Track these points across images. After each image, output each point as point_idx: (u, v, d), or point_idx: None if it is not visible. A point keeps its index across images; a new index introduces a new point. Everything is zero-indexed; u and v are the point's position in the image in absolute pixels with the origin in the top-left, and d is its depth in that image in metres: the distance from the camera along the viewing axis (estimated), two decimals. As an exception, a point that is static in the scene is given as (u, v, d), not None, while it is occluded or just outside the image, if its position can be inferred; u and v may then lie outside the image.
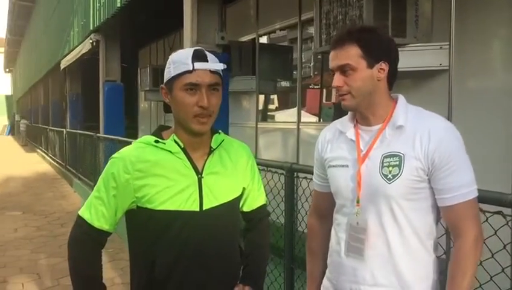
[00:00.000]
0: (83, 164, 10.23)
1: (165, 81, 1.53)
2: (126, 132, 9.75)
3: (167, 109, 1.57)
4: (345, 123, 1.64)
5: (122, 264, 4.79)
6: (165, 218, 1.49)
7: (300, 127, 6.06)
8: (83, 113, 15.21)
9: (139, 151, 1.52)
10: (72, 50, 12.45)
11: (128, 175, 1.48)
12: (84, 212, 1.54)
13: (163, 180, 1.49)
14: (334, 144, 1.64)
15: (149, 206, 1.48)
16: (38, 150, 20.59)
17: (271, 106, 8.22)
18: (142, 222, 1.53)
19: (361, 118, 1.58)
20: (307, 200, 2.96)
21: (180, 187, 1.50)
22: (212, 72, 1.47)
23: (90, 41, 9.67)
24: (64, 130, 13.48)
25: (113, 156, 1.55)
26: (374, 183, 1.49)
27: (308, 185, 2.91)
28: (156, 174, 1.49)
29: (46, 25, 18.93)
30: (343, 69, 1.50)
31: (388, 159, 1.48)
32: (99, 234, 1.53)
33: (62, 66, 13.63)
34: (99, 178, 1.55)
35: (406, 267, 1.48)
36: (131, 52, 12.83)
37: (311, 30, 6.47)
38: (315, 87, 6.94)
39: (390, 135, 1.50)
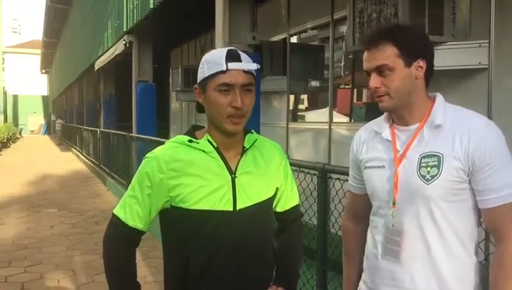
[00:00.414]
0: (116, 163, 10.42)
1: (198, 81, 1.53)
2: (158, 132, 9.86)
3: (200, 109, 1.57)
4: (380, 123, 1.60)
5: (155, 262, 4.85)
6: (199, 217, 1.49)
7: (332, 127, 6.00)
8: (116, 113, 15.49)
9: (172, 150, 1.53)
10: (105, 51, 12.70)
11: (163, 174, 1.49)
12: (118, 211, 1.56)
13: (197, 179, 1.49)
14: (370, 145, 1.61)
15: (183, 205, 1.49)
16: (73, 149, 21.10)
17: (301, 106, 8.18)
18: (175, 221, 1.53)
19: (398, 118, 1.54)
20: (340, 201, 2.93)
21: (213, 187, 1.50)
22: (245, 72, 1.47)
23: (124, 42, 9.84)
24: (98, 129, 13.77)
25: (147, 155, 1.56)
26: (411, 184, 1.46)
27: (342, 186, 2.87)
28: (189, 173, 1.49)
29: (81, 27, 19.37)
30: (380, 70, 1.47)
31: (426, 160, 1.44)
32: (134, 232, 1.54)
33: (96, 67, 13.92)
34: (134, 177, 1.57)
35: (446, 270, 1.44)
36: (163, 53, 13.00)
37: (342, 29, 6.41)
38: (346, 87, 6.87)
39: (428, 134, 1.46)
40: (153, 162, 1.51)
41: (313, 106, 7.98)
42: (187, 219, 1.50)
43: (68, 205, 8.74)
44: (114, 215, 1.57)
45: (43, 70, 46.12)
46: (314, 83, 7.76)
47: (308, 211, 3.04)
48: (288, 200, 1.71)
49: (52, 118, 39.16)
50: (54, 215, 7.90)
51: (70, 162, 17.44)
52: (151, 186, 1.50)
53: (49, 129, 43.45)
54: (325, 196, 3.04)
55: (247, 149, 1.57)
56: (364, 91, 7.24)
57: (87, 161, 15.64)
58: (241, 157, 1.56)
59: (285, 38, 7.10)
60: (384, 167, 1.53)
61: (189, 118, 12.66)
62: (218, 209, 1.49)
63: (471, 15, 3.50)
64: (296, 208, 1.75)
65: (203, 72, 1.50)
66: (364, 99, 7.15)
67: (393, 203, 1.50)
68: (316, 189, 3.08)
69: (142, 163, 1.56)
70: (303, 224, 1.83)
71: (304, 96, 8.11)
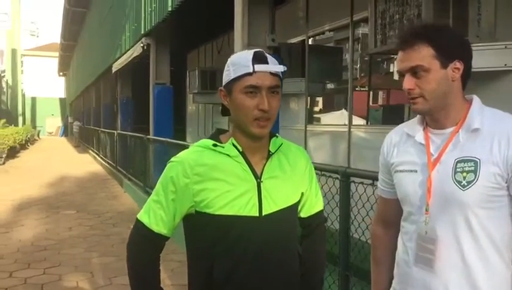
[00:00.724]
0: (133, 165, 10.46)
1: (223, 83, 1.50)
2: (174, 134, 9.89)
3: (225, 112, 1.55)
4: (412, 126, 1.55)
5: (172, 265, 4.84)
6: (224, 223, 1.46)
7: (351, 130, 5.94)
8: (133, 116, 15.59)
9: (197, 154, 1.50)
10: (123, 54, 12.79)
11: (188, 179, 1.46)
12: (143, 216, 1.54)
13: (222, 184, 1.46)
14: (401, 148, 1.56)
15: (207, 211, 1.46)
16: (90, 151, 21.28)
17: (317, 108, 8.13)
18: (200, 227, 1.51)
19: (432, 121, 1.49)
20: (363, 206, 2.88)
21: (239, 192, 1.47)
22: (272, 74, 1.44)
23: (141, 45, 9.90)
24: (115, 131, 13.86)
25: (172, 159, 1.53)
26: (446, 190, 1.40)
27: (365, 190, 2.83)
28: (214, 178, 1.46)
29: (98, 30, 19.55)
30: (415, 71, 1.42)
31: (462, 165, 1.38)
32: (158, 238, 1.52)
33: (113, 70, 14.03)
34: (158, 182, 1.54)
35: (483, 280, 1.38)
36: (180, 55, 13.05)
37: (360, 31, 6.35)
38: (361, 89, 6.81)
39: (464, 138, 1.41)
40: (178, 167, 1.49)
41: (329, 108, 7.93)
42: (212, 224, 1.47)
43: (86, 207, 8.79)
44: (138, 221, 1.55)
45: (61, 73, 46.73)
46: (331, 85, 7.72)
47: (330, 215, 3.00)
48: (312, 205, 1.68)
49: (70, 120, 39.62)
50: (72, 217, 7.95)
51: (87, 163, 17.60)
52: (176, 191, 1.48)
53: (66, 131, 44.00)
54: (347, 200, 2.99)
55: (273, 153, 1.55)
56: (380, 93, 7.17)
57: (104, 162, 15.76)
58: (266, 161, 1.53)
59: (304, 40, 7.05)
60: (416, 171, 1.48)
61: (206, 120, 12.67)
62: (244, 214, 1.46)
63: (497, 16, 3.42)
64: (320, 214, 1.72)
65: (229, 74, 1.47)
66: (381, 101, 7.08)
67: (426, 209, 1.45)
68: (338, 193, 3.04)
69: (166, 167, 1.53)
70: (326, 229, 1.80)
71: (319, 99, 8.07)
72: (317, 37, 7.57)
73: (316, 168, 3.23)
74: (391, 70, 7.26)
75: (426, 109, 1.44)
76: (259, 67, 1.42)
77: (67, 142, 33.70)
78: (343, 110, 7.00)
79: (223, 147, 1.50)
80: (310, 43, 7.28)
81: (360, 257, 2.96)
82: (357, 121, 6.27)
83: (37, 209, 8.56)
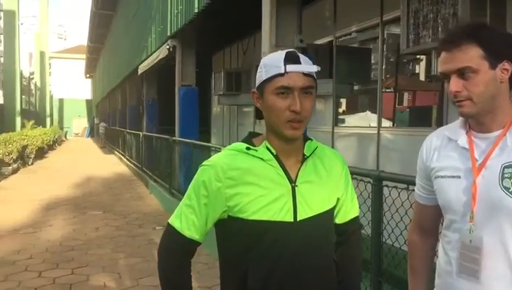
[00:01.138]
0: (158, 166, 10.53)
1: (256, 85, 1.46)
2: (199, 136, 9.91)
3: (259, 115, 1.50)
4: (454, 129, 1.47)
5: (198, 267, 4.82)
6: (258, 228, 1.41)
7: (380, 132, 5.83)
8: (158, 117, 15.73)
9: (230, 158, 1.46)
10: (149, 56, 12.90)
11: (220, 183, 1.43)
12: (174, 221, 1.50)
13: (255, 188, 1.42)
14: (442, 152, 1.48)
15: (241, 215, 1.42)
16: (116, 152, 21.56)
17: (342, 110, 8.03)
18: (233, 232, 1.46)
19: (477, 124, 1.41)
20: (397, 211, 2.79)
21: (273, 196, 1.42)
22: (305, 74, 1.39)
23: (167, 47, 9.96)
24: (140, 133, 13.99)
25: (204, 163, 1.49)
26: (492, 197, 1.33)
27: (399, 195, 2.74)
28: (248, 182, 1.42)
29: (125, 32, 19.80)
30: (462, 72, 1.34)
31: (510, 170, 1.31)
32: (190, 243, 1.48)
33: (139, 72, 14.17)
34: (190, 186, 1.51)
35: None
36: (206, 57, 13.09)
37: (385, 31, 6.24)
38: (387, 90, 6.70)
39: None
40: (210, 171, 1.45)
41: (353, 109, 7.83)
42: (245, 229, 1.43)
43: (112, 208, 8.88)
44: (170, 225, 1.51)
45: (88, 75, 47.59)
46: (359, 86, 7.61)
47: (361, 220, 2.91)
48: (348, 211, 1.62)
49: (96, 121, 40.29)
50: (99, 217, 8.03)
51: (113, 164, 17.82)
52: (208, 196, 1.44)
53: (92, 132, 44.75)
54: (380, 205, 2.91)
55: (308, 157, 1.50)
56: (406, 95, 7.04)
57: (129, 163, 15.92)
58: (301, 165, 1.48)
59: (331, 40, 6.97)
60: (459, 176, 1.41)
61: (231, 121, 12.68)
62: (278, 220, 1.41)
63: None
64: (356, 220, 1.66)
65: (261, 76, 1.43)
66: (406, 103, 6.97)
67: (471, 217, 1.37)
68: (370, 197, 2.96)
69: (198, 171, 1.50)
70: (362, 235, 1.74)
71: (342, 100, 7.98)
72: (342, 38, 7.47)
73: (347, 172, 3.17)
74: (417, 71, 7.14)
75: (473, 112, 1.37)
76: (291, 67, 1.38)
77: (94, 143, 34.25)
78: (367, 112, 6.89)
79: (257, 151, 1.46)
80: (338, 43, 7.19)
81: (393, 263, 2.87)
82: (384, 123, 6.17)
83: (64, 210, 8.68)
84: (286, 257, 1.43)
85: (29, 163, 17.22)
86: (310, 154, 1.50)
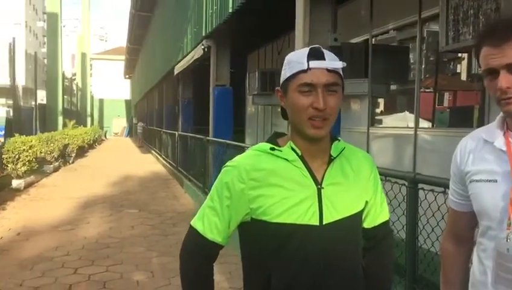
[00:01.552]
0: (193, 165, 10.61)
1: (280, 83, 1.42)
2: (233, 135, 9.92)
3: (284, 114, 1.45)
4: (491, 131, 1.38)
5: (229, 267, 4.79)
6: (282, 232, 1.36)
7: (417, 133, 5.65)
8: (193, 117, 15.87)
9: (254, 159, 1.42)
10: (185, 56, 13.03)
11: (243, 184, 1.38)
12: (196, 223, 1.46)
13: (279, 190, 1.37)
14: (477, 155, 1.40)
15: (264, 218, 1.37)
16: (153, 151, 21.92)
17: (379, 110, 7.85)
18: (256, 235, 1.41)
19: None
20: (433, 215, 2.68)
21: (298, 198, 1.36)
22: (329, 71, 1.33)
23: (202, 47, 10.01)
24: (176, 132, 14.15)
25: (227, 164, 1.45)
26: None
27: (435, 199, 2.63)
28: (272, 183, 1.37)
29: (161, 33, 20.10)
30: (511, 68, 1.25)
31: None
32: (212, 246, 1.44)
33: (175, 72, 14.33)
34: (212, 187, 1.47)
35: None
36: (240, 56, 13.12)
37: (425, 29, 6.06)
38: (426, 90, 6.51)
39: None
40: (233, 172, 1.40)
41: (391, 109, 7.65)
42: (268, 233, 1.38)
43: (148, 206, 9.00)
44: (192, 228, 1.47)
45: (127, 76, 48.59)
46: (394, 86, 7.44)
47: (395, 223, 2.82)
48: (377, 215, 1.54)
49: (134, 121, 41.10)
50: (134, 215, 8.15)
51: (150, 163, 18.11)
52: (231, 197, 1.40)
53: (131, 132, 45.69)
54: (415, 209, 2.80)
55: (335, 158, 1.43)
56: (446, 95, 6.82)
57: (165, 163, 16.15)
58: (327, 166, 1.42)
59: (367, 39, 6.82)
60: (496, 181, 1.32)
61: (265, 121, 12.65)
62: (303, 223, 1.36)
63: None
64: (385, 224, 1.58)
65: (284, 74, 1.39)
66: (446, 103, 6.76)
67: (508, 224, 1.29)
68: (405, 200, 2.85)
69: (221, 172, 1.45)
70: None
71: (380, 100, 7.81)
72: (379, 37, 7.31)
73: (380, 173, 3.08)
74: (458, 70, 6.91)
75: None
76: (314, 63, 1.32)
77: (132, 142, 34.95)
78: (406, 112, 6.71)
79: (281, 151, 1.41)
80: (374, 42, 7.04)
81: (429, 269, 2.76)
82: (422, 123, 5.99)
83: (102, 207, 8.86)
84: (311, 261, 1.37)
85: (70, 161, 17.71)
86: (337, 155, 1.44)
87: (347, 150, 1.48)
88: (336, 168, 1.43)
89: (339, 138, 1.49)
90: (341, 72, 1.37)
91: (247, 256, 1.48)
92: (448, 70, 7.03)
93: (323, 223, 1.37)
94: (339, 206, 1.40)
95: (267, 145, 1.43)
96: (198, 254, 1.46)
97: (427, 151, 5.58)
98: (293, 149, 1.40)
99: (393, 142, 6.37)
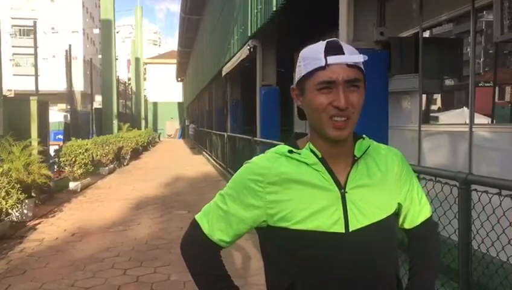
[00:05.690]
0: (241, 166, 10.59)
1: (295, 81, 1.30)
2: (281, 135, 9.82)
3: (301, 114, 1.34)
4: None
5: (258, 265, 4.70)
6: (303, 240, 1.25)
7: (473, 130, 5.33)
8: (242, 117, 15.91)
9: (271, 162, 1.31)
10: (232, 57, 13.07)
11: (259, 189, 1.28)
12: (202, 220, 1.38)
13: (299, 196, 1.26)
14: None
15: (283, 225, 1.26)
16: (204, 153, 22.20)
17: (433, 107, 7.50)
18: (276, 242, 1.31)
19: None
20: (488, 218, 2.48)
21: (319, 205, 1.25)
22: (349, 66, 1.20)
23: (248, 47, 10.00)
24: (225, 133, 14.24)
25: (244, 166, 1.36)
26: None
27: (490, 201, 2.43)
28: (290, 188, 1.26)
29: (210, 35, 20.32)
30: None
31: None
32: (216, 245, 1.37)
33: (223, 73, 14.42)
34: (226, 187, 1.37)
35: None
36: (286, 55, 13.00)
37: (483, 20, 5.72)
38: (485, 85, 6.13)
39: None
40: (249, 176, 1.31)
41: (447, 106, 7.28)
42: (289, 240, 1.27)
43: (197, 208, 8.94)
44: (195, 221, 1.39)
45: (179, 79, 49.61)
46: (449, 81, 7.08)
47: (446, 227, 2.63)
48: (417, 214, 1.42)
49: (186, 122, 41.85)
50: (183, 217, 8.22)
51: (201, 165, 18.33)
52: (243, 201, 1.30)
53: (183, 133, 46.58)
54: (468, 212, 2.60)
55: (359, 158, 1.30)
56: (508, 89, 6.43)
57: (215, 164, 16.28)
58: (351, 168, 1.29)
59: (417, 32, 6.53)
60: None
61: (314, 120, 12.45)
62: (327, 230, 1.24)
63: None
64: (428, 221, 1.44)
65: (300, 71, 1.27)
66: (508, 98, 6.37)
67: None
68: (457, 202, 2.65)
69: (238, 172, 1.36)
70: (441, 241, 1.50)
71: (437, 96, 7.45)
72: (433, 30, 6.99)
73: (429, 174, 2.89)
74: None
75: None
76: (332, 59, 1.20)
77: (184, 144, 35.60)
78: (464, 108, 6.37)
79: (300, 154, 1.29)
80: (425, 35, 6.74)
81: (485, 275, 2.55)
82: (481, 119, 5.64)
83: (152, 209, 9.02)
84: (337, 272, 1.25)
85: (125, 163, 18.24)
86: (362, 155, 1.31)
87: (372, 148, 1.35)
88: (360, 169, 1.31)
89: (364, 136, 1.35)
90: (362, 66, 1.25)
91: (268, 263, 1.38)
92: (509, 63, 6.61)
93: (350, 230, 1.25)
94: (366, 211, 1.27)
95: (285, 148, 1.32)
96: (201, 249, 1.39)
97: (485, 149, 5.25)
98: (312, 151, 1.29)
99: (447, 140, 6.05)
